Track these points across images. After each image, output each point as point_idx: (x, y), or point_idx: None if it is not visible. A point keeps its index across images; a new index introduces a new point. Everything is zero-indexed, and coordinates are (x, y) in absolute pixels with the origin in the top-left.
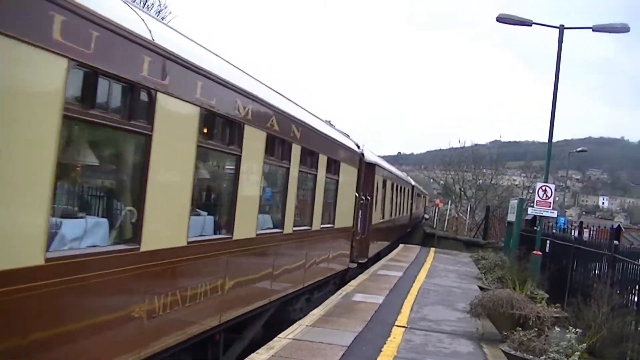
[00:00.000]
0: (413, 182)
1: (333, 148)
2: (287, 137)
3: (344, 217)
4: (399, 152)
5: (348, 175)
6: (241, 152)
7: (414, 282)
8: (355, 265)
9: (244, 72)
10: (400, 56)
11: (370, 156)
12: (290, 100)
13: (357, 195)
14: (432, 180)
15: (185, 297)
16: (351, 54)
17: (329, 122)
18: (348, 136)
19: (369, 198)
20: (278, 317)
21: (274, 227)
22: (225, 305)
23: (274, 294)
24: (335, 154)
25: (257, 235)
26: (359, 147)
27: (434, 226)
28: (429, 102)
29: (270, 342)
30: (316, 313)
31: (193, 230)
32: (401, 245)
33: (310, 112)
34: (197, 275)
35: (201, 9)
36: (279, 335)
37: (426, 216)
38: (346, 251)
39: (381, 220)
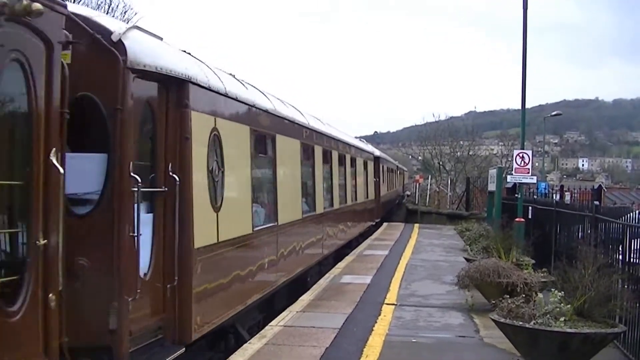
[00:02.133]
0: (377, 152)
1: None
2: None
3: None
4: (376, 132)
5: None
6: None
7: (400, 259)
8: None
9: None
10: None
11: (174, 62)
12: None
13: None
14: (410, 156)
15: None
16: (321, 38)
17: None
18: None
19: (177, 178)
20: None
21: None
22: None
23: None
24: None
25: None
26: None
27: (416, 202)
28: (401, 80)
29: (262, 331)
30: (305, 298)
31: None
32: (385, 224)
33: None
34: None
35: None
36: (270, 324)
37: (408, 193)
38: None
39: (254, 231)
